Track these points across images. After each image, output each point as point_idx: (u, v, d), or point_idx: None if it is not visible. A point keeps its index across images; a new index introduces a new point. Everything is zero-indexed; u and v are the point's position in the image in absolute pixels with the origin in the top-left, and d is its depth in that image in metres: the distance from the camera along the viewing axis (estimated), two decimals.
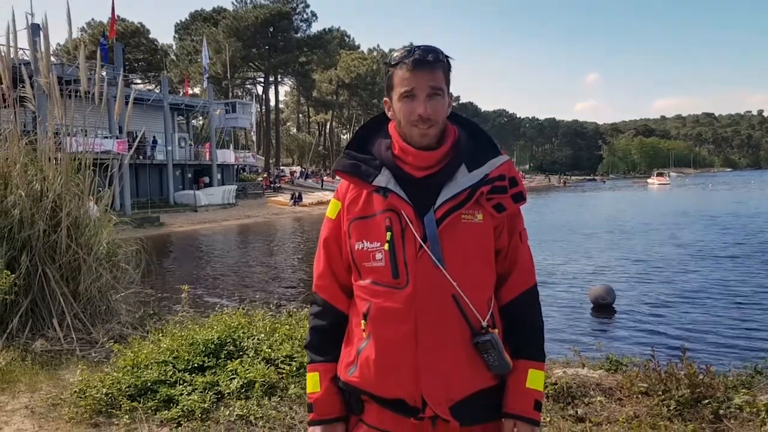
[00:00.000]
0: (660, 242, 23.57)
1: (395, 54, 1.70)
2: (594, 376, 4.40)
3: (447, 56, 1.71)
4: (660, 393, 3.93)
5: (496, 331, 1.70)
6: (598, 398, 4.01)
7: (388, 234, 1.67)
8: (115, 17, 42.96)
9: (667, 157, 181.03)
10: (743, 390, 3.98)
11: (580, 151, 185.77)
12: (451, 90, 1.75)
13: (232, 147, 53.93)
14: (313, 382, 1.84)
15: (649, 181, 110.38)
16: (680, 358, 4.10)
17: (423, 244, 1.64)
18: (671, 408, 3.77)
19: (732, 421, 3.66)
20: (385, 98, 1.78)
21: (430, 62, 1.65)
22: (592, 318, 11.59)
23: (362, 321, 1.71)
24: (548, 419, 3.75)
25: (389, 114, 1.76)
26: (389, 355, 1.67)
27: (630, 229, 28.80)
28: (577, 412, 3.88)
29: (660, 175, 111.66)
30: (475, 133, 1.79)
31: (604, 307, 11.91)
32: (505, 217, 1.73)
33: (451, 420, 1.66)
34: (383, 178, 1.70)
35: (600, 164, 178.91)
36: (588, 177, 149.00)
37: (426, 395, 1.65)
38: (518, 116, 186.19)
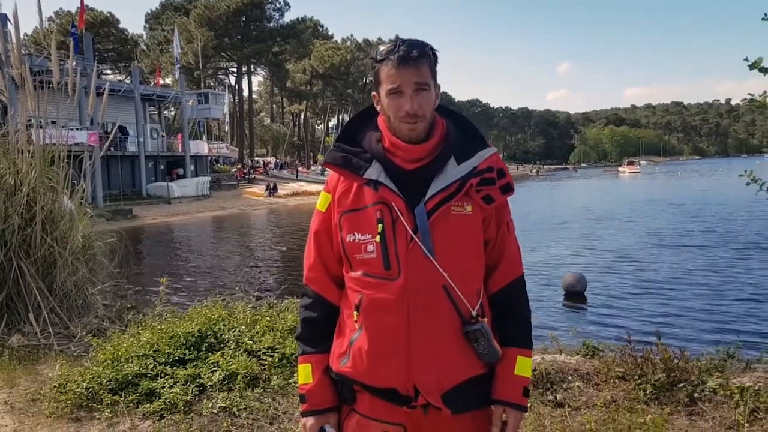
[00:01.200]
0: (630, 230, 23.95)
1: (381, 49, 1.71)
2: (571, 362, 4.49)
3: (433, 49, 1.73)
4: (636, 377, 4.02)
5: (486, 320, 1.74)
6: (576, 383, 4.09)
7: (380, 226, 1.69)
8: (84, 7, 42.16)
9: (637, 145, 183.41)
10: (716, 373, 4.08)
11: (553, 141, 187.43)
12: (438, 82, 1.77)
13: (205, 138, 53.39)
14: (305, 373, 1.86)
15: (620, 169, 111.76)
16: (655, 343, 4.20)
17: (414, 236, 1.67)
18: (647, 392, 3.86)
19: (706, 404, 3.76)
20: (373, 92, 1.79)
21: (414, 58, 1.67)
22: (565, 305, 11.78)
23: (354, 312, 1.74)
24: (528, 405, 3.81)
25: (378, 108, 1.78)
26: (381, 345, 1.70)
27: (600, 218, 29.20)
28: (556, 397, 3.95)
29: (631, 163, 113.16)
30: (464, 126, 1.82)
31: (575, 295, 12.12)
32: (493, 208, 1.76)
33: (443, 408, 1.70)
34: (374, 171, 1.73)
35: (572, 153, 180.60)
36: (560, 166, 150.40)
37: (418, 384, 1.68)
38: (491, 106, 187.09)
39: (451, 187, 1.69)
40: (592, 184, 69.96)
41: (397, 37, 1.77)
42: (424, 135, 1.72)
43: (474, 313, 1.71)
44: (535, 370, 4.24)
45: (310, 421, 1.83)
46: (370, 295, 1.71)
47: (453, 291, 1.69)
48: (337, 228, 1.78)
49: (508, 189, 1.77)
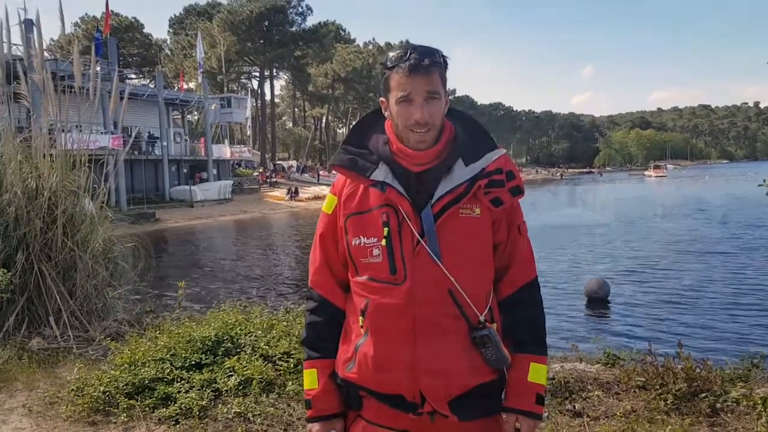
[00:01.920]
0: (654, 235, 23.63)
1: (391, 55, 1.69)
2: (591, 371, 4.41)
3: (444, 56, 1.70)
4: (657, 387, 3.93)
5: (495, 325, 1.71)
6: (596, 393, 4.02)
7: (385, 229, 1.67)
8: (109, 12, 42.75)
9: (663, 149, 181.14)
10: (740, 383, 3.99)
11: (577, 144, 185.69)
12: (447, 87, 1.74)
13: (227, 142, 53.77)
14: (310, 378, 1.83)
15: (646, 173, 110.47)
16: (677, 352, 4.11)
17: (420, 239, 1.64)
18: (668, 402, 3.78)
19: (729, 415, 3.67)
20: (381, 98, 1.77)
21: (426, 66, 1.64)
22: (587, 312, 11.63)
23: (360, 317, 1.72)
24: (545, 414, 3.75)
25: (386, 114, 1.76)
26: (387, 351, 1.67)
27: (625, 222, 28.85)
28: (574, 406, 3.89)
29: (657, 167, 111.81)
30: (472, 128, 1.79)
31: (598, 301, 11.94)
32: (503, 210, 1.73)
33: (449, 415, 1.66)
34: (381, 173, 1.70)
35: (597, 157, 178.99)
36: (585, 170, 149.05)
37: (424, 390, 1.65)
38: (515, 109, 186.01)
39: (458, 189, 1.66)
40: (617, 188, 69.21)
41: (407, 43, 1.74)
42: (432, 143, 1.70)
43: (482, 318, 1.68)
44: (553, 378, 4.18)
45: (315, 427, 1.81)
46: (376, 300, 1.68)
47: (460, 296, 1.65)
48: (342, 231, 1.76)
49: (518, 191, 1.73)
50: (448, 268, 1.64)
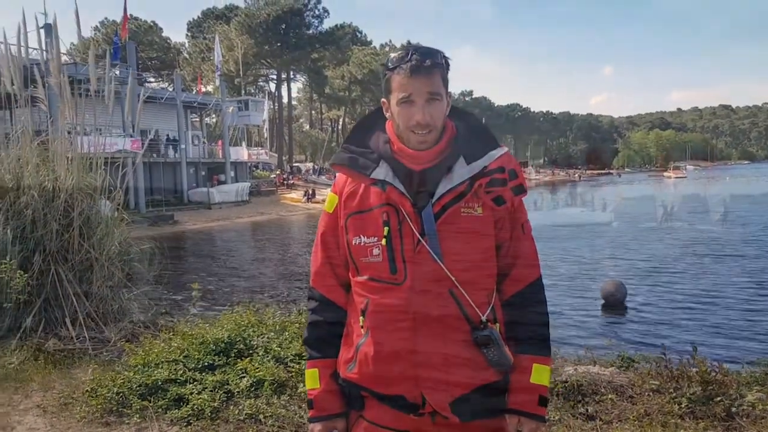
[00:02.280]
0: (671, 237, 23.38)
1: (392, 56, 1.69)
2: (605, 374, 4.37)
3: (445, 57, 1.69)
4: (671, 390, 3.89)
5: (497, 326, 1.69)
6: (609, 396, 3.97)
7: (386, 229, 1.67)
8: (128, 16, 43.17)
9: (683, 150, 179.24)
10: (756, 387, 3.93)
11: (596, 145, 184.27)
12: (450, 90, 1.73)
13: (244, 144, 54.06)
14: (312, 378, 1.83)
15: (665, 174, 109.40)
16: (692, 355, 4.06)
17: (421, 239, 1.64)
18: (683, 405, 3.73)
19: (744, 419, 3.61)
20: (383, 99, 1.77)
21: (427, 67, 1.64)
22: (603, 314, 11.52)
23: (360, 317, 1.71)
24: (558, 417, 3.72)
25: (387, 115, 1.76)
26: (387, 352, 1.66)
27: (642, 223, 28.57)
28: (587, 410, 3.85)
29: (676, 168, 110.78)
30: (474, 126, 1.78)
31: (614, 304, 11.82)
32: (505, 209, 1.71)
33: (450, 416, 1.65)
34: (381, 171, 1.70)
35: (615, 158, 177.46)
36: (603, 171, 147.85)
37: (425, 392, 1.64)
38: (532, 110, 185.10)
39: (459, 188, 1.65)
40: (636, 189, 68.57)
41: (408, 43, 1.73)
42: (433, 144, 1.69)
43: (484, 318, 1.66)
44: (566, 381, 4.15)
45: (317, 427, 1.81)
46: (376, 300, 1.68)
47: (461, 295, 1.64)
48: (343, 230, 1.76)
49: (520, 190, 1.72)
50: (449, 268, 1.63)
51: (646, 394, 4.02)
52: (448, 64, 1.70)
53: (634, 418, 3.67)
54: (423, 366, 1.64)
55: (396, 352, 1.65)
